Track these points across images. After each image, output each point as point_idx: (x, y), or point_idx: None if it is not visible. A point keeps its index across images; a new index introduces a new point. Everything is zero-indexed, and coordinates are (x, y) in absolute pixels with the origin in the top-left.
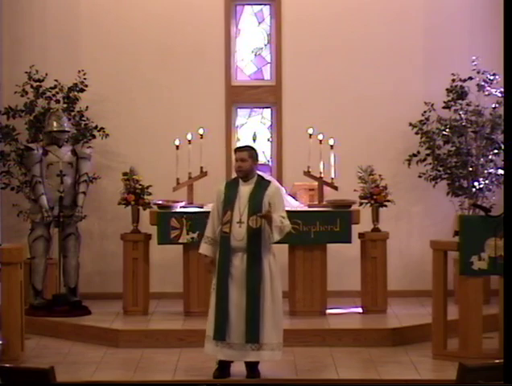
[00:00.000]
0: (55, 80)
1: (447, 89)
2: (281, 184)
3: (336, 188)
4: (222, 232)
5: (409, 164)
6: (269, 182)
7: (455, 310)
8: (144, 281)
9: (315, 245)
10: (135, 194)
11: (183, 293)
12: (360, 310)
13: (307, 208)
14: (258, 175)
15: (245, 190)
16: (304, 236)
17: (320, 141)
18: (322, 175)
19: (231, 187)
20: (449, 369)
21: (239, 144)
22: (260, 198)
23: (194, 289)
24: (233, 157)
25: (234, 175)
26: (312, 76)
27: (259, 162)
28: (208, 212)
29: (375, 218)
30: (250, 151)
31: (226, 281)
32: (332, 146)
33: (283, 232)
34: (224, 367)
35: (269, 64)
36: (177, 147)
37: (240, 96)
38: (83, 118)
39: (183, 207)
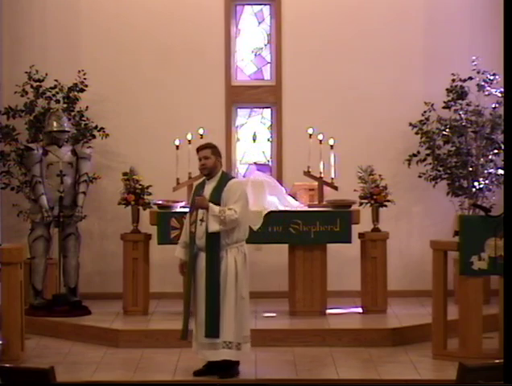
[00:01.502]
0: (55, 80)
1: (447, 89)
2: (281, 184)
3: (336, 188)
4: (190, 232)
5: (409, 164)
6: (231, 178)
7: (455, 310)
8: (144, 281)
9: (315, 245)
10: (135, 194)
11: (183, 293)
12: (360, 310)
13: (307, 208)
14: (223, 172)
15: (208, 188)
16: (304, 236)
17: (320, 141)
18: (322, 175)
19: (199, 188)
20: (449, 369)
21: (200, 144)
22: (219, 194)
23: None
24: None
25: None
26: (312, 76)
27: (259, 162)
28: None
29: (375, 218)
30: (213, 149)
31: (194, 281)
32: (332, 146)
33: (225, 222)
34: (209, 366)
35: (269, 64)
36: (177, 147)
37: (240, 96)
38: (83, 118)
39: (183, 207)
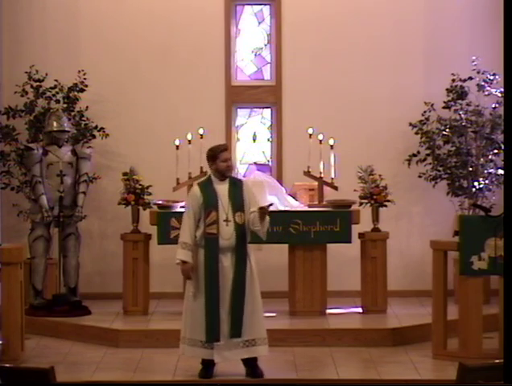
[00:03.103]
0: (55, 80)
1: (447, 89)
2: (281, 184)
3: (336, 188)
4: (207, 233)
5: (409, 164)
6: (240, 180)
7: (455, 309)
8: (144, 281)
9: (315, 245)
10: (135, 194)
11: (183, 293)
12: (360, 310)
13: (307, 208)
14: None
15: (222, 188)
16: (304, 236)
17: (320, 141)
18: (322, 175)
19: (207, 188)
20: (449, 369)
21: (215, 144)
22: (240, 195)
23: None
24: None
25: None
26: (312, 76)
27: (259, 162)
28: None
29: (375, 218)
30: None
31: (217, 283)
32: (332, 146)
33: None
34: (208, 366)
35: (269, 64)
36: (177, 147)
37: (240, 96)
38: (83, 118)
39: (183, 207)
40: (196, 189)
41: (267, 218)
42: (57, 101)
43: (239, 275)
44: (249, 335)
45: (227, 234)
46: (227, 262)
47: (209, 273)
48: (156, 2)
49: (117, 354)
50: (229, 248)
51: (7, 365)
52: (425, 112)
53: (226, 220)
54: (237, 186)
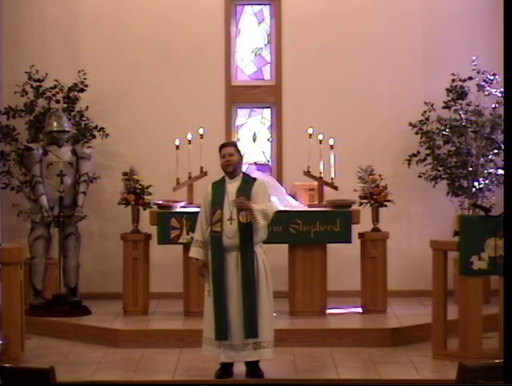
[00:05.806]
0: (55, 80)
1: (447, 89)
2: (281, 184)
3: (336, 188)
4: (213, 231)
5: (409, 164)
6: (254, 179)
7: (455, 309)
8: (144, 281)
9: (315, 245)
10: (135, 194)
11: (183, 293)
12: (360, 310)
13: (307, 208)
14: (244, 173)
15: (232, 187)
16: (304, 236)
17: (320, 141)
18: (322, 175)
19: (218, 187)
20: (449, 369)
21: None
22: (247, 193)
23: (194, 289)
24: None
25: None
26: (312, 76)
27: (259, 162)
28: None
29: (375, 218)
30: (236, 146)
31: (223, 282)
32: (332, 146)
33: (268, 215)
34: (226, 367)
35: (269, 64)
36: (177, 147)
37: (240, 96)
38: (83, 118)
39: (183, 207)
40: (208, 187)
41: (255, 213)
42: (57, 101)
43: (247, 276)
44: (264, 337)
45: (230, 232)
46: (232, 261)
47: (216, 272)
48: (156, 2)
49: (117, 354)
50: (233, 247)
51: (7, 365)
52: (425, 112)
53: (230, 219)
54: (248, 185)
